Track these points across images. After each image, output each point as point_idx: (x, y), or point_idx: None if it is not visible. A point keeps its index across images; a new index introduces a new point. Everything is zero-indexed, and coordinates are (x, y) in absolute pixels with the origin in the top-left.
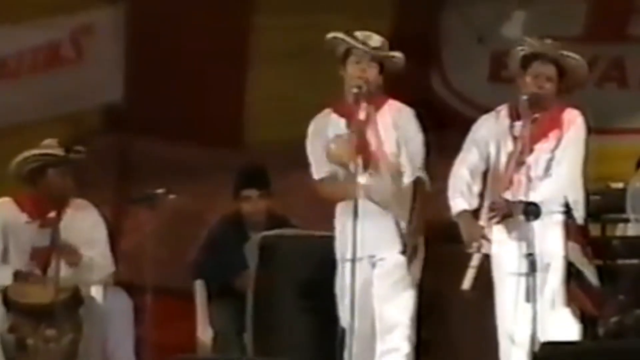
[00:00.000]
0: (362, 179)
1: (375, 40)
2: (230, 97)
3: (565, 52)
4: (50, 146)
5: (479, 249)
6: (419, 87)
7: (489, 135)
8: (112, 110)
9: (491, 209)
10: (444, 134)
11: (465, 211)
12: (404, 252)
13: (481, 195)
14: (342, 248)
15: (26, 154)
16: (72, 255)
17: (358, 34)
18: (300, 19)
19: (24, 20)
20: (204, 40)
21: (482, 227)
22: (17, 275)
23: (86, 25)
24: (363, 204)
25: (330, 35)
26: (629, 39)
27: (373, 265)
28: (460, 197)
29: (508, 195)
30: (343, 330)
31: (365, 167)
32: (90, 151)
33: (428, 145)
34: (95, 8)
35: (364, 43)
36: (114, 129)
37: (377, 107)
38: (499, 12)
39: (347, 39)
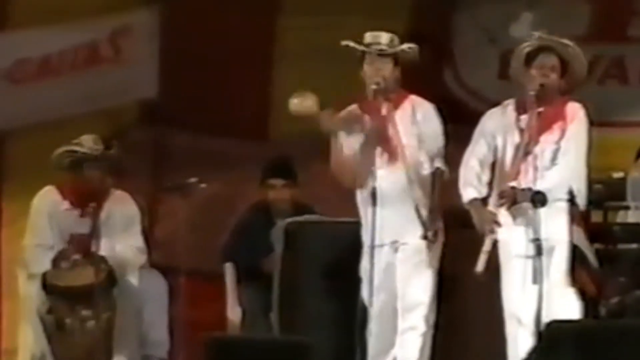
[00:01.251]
0: (383, 171)
1: (384, 38)
2: (256, 93)
3: (564, 41)
4: (86, 143)
5: (491, 234)
6: (433, 84)
7: (497, 128)
8: (148, 105)
9: (500, 197)
10: (456, 127)
11: (475, 199)
12: (425, 238)
13: (490, 184)
14: (365, 233)
15: (63, 148)
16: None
17: (368, 36)
18: (322, 20)
19: (66, 22)
20: (233, 40)
21: (493, 214)
22: (56, 259)
23: (124, 26)
24: (384, 193)
25: (343, 43)
26: (629, 39)
27: (396, 250)
28: (470, 187)
29: (515, 184)
30: (365, 310)
31: (387, 159)
32: (127, 143)
33: (446, 137)
34: (132, 11)
35: (373, 44)
36: (149, 123)
37: (399, 103)
38: (508, 14)
39: (357, 46)
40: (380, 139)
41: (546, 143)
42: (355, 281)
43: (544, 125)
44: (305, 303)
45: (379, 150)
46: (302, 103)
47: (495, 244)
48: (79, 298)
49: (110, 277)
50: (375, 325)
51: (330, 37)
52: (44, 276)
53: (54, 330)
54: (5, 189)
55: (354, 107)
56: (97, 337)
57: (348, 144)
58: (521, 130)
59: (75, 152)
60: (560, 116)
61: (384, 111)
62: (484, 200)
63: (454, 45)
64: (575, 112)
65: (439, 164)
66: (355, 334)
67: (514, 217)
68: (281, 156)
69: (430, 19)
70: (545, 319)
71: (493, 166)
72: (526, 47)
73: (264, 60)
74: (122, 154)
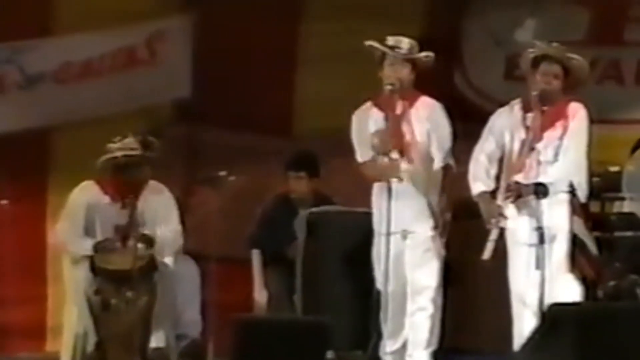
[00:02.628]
0: (397, 165)
1: (405, 43)
2: (282, 93)
3: (569, 54)
4: (127, 146)
5: (497, 225)
6: (444, 84)
7: (504, 126)
8: (181, 105)
9: (507, 190)
10: (465, 124)
11: (484, 192)
12: (435, 228)
13: (497, 178)
14: (378, 223)
15: (107, 156)
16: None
17: (390, 39)
18: (342, 25)
19: (106, 28)
20: (259, 44)
21: (499, 206)
22: (98, 246)
23: (159, 31)
24: (397, 186)
25: (367, 43)
26: (625, 43)
27: (405, 237)
28: (479, 181)
29: (521, 178)
30: (378, 292)
31: (401, 154)
32: (162, 139)
33: (454, 134)
34: (167, 17)
35: (395, 47)
36: (183, 121)
37: (411, 103)
38: (513, 20)
39: (380, 46)
40: (394, 136)
41: (549, 139)
42: (371, 266)
43: (548, 123)
44: (325, 286)
45: (393, 146)
46: None
47: (502, 232)
48: (124, 281)
49: (152, 263)
50: (388, 307)
51: (350, 41)
52: (92, 260)
53: (100, 309)
54: (51, 181)
55: (367, 105)
56: (138, 317)
57: (362, 152)
58: (527, 128)
59: (117, 157)
60: (562, 115)
61: (398, 110)
62: (492, 193)
63: (463, 48)
64: (577, 111)
65: (448, 160)
66: (371, 313)
67: (519, 209)
68: (303, 150)
69: (442, 24)
70: (548, 301)
71: (500, 161)
72: (532, 53)
73: (289, 62)
74: (161, 148)
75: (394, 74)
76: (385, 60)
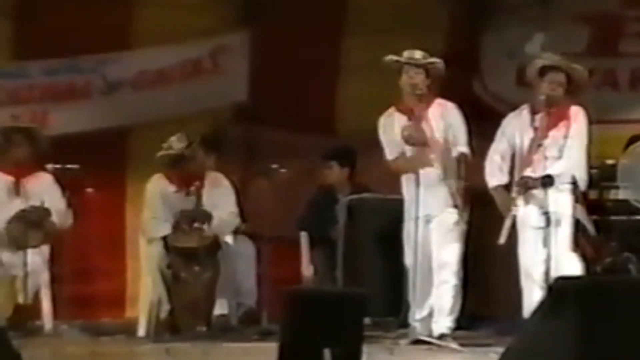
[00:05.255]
0: (421, 158)
1: (417, 54)
2: (325, 97)
3: (572, 65)
4: (173, 144)
5: (510, 214)
6: (464, 90)
7: (514, 128)
8: (240, 108)
9: (518, 184)
10: (482, 125)
11: (498, 186)
12: (454, 211)
13: (510, 173)
14: (408, 208)
15: (160, 153)
16: (207, 216)
17: (405, 53)
18: (377, 39)
19: (176, 42)
20: (307, 55)
21: (512, 197)
22: (174, 227)
23: (221, 45)
24: (424, 175)
25: (387, 58)
26: (620, 54)
27: (429, 220)
28: (494, 176)
29: (530, 172)
30: (408, 269)
31: (423, 149)
32: (224, 138)
33: (470, 129)
34: (228, 33)
35: (410, 58)
36: (241, 121)
37: (429, 104)
38: (523, 35)
39: (398, 58)
40: (417, 134)
41: (554, 138)
42: (402, 246)
43: (552, 124)
44: (362, 263)
45: (418, 143)
46: None
47: (514, 218)
48: (192, 257)
49: (215, 242)
50: (416, 280)
51: (384, 53)
52: (165, 239)
53: (172, 281)
54: (129, 173)
55: (391, 110)
56: (204, 288)
57: (390, 147)
58: (535, 128)
59: (167, 154)
60: (565, 117)
61: (418, 111)
62: (506, 186)
63: (481, 59)
64: (578, 114)
65: (463, 149)
66: (401, 287)
67: (529, 198)
68: (342, 144)
69: (463, 39)
70: (553, 275)
71: (512, 158)
72: (539, 63)
73: (332, 71)
74: (214, 144)
75: (412, 80)
76: (403, 70)
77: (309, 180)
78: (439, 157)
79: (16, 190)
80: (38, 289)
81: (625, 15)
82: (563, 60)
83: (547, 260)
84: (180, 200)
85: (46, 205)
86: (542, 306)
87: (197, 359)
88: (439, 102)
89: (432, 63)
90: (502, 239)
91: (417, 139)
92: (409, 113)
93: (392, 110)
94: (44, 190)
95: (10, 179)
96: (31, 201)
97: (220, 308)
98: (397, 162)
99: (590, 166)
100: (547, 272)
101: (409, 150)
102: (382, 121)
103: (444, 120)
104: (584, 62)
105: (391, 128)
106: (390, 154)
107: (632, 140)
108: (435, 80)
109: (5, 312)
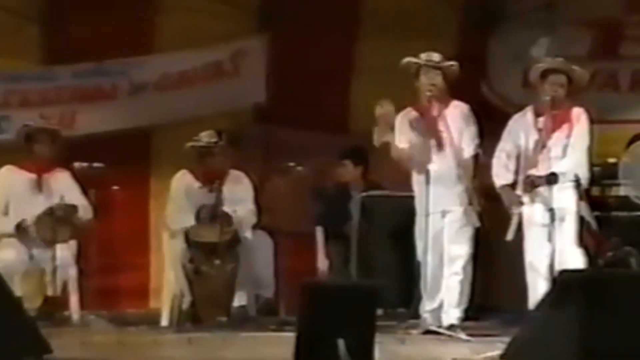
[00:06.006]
0: (435, 156)
1: (435, 56)
2: (340, 98)
3: (572, 67)
4: (204, 138)
5: (517, 211)
6: (472, 92)
7: (519, 129)
8: (258, 108)
9: (524, 182)
10: (490, 125)
11: (505, 185)
12: (468, 208)
13: (516, 171)
14: (419, 205)
15: (189, 144)
16: (228, 218)
17: (423, 55)
18: (390, 43)
19: (198, 47)
20: (322, 59)
21: (519, 196)
22: (196, 222)
23: (241, 49)
24: (435, 172)
25: (405, 60)
26: (621, 57)
27: (443, 216)
28: (501, 176)
29: (535, 171)
30: (419, 262)
31: (438, 147)
32: (244, 137)
33: (481, 129)
34: (247, 37)
35: (429, 60)
36: (260, 122)
37: (445, 106)
38: (529, 39)
39: (417, 60)
40: (432, 133)
41: (558, 139)
42: (413, 240)
43: (556, 125)
44: (375, 256)
45: (431, 141)
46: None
47: (520, 215)
48: (213, 251)
49: (235, 237)
50: (427, 274)
51: (397, 56)
52: (187, 234)
53: (193, 275)
54: (152, 170)
55: (408, 109)
56: (224, 281)
57: (402, 140)
58: (539, 129)
59: (197, 146)
60: (568, 118)
61: (435, 112)
62: (512, 185)
63: (488, 62)
64: (580, 115)
65: (477, 149)
66: (413, 279)
67: (534, 196)
68: (356, 143)
69: (471, 43)
70: (557, 268)
71: (517, 158)
72: (542, 66)
73: (346, 74)
74: (234, 143)
75: (430, 81)
76: (421, 72)
77: (324, 177)
78: (453, 155)
79: (39, 186)
80: (66, 282)
81: (626, 20)
82: (563, 63)
83: (552, 254)
84: (203, 196)
85: (66, 200)
86: (547, 298)
87: (217, 348)
88: (454, 103)
89: (449, 65)
90: (509, 236)
91: (425, 132)
92: (425, 113)
93: (409, 109)
94: (63, 186)
95: (32, 176)
96: (53, 197)
97: (239, 300)
98: (405, 151)
99: (592, 164)
100: (551, 266)
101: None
102: (399, 119)
103: (460, 121)
104: (586, 65)
105: (407, 126)
106: (400, 142)
107: (633, 139)
108: (450, 82)
109: (35, 304)
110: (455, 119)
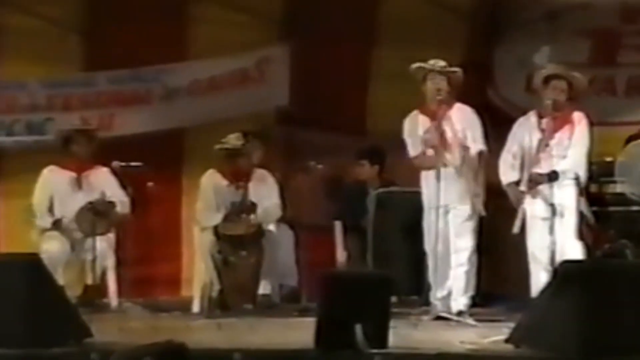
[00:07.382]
0: (438, 158)
1: (441, 63)
2: (358, 102)
3: (572, 73)
4: (231, 140)
5: (522, 206)
6: (479, 96)
7: (523, 131)
8: (282, 111)
9: (528, 180)
10: (495, 127)
11: (511, 183)
12: (471, 203)
13: (521, 170)
14: (427, 200)
15: (217, 146)
16: (253, 207)
17: (431, 61)
18: (403, 52)
19: (226, 54)
20: (341, 65)
21: (523, 192)
22: (225, 217)
23: (266, 56)
24: (444, 170)
25: (414, 65)
26: (618, 64)
27: (448, 211)
28: (507, 175)
29: (538, 169)
30: (427, 253)
31: (444, 147)
32: (268, 138)
33: (486, 130)
34: (271, 46)
35: (435, 66)
36: (283, 124)
37: (449, 108)
38: (532, 47)
39: (425, 66)
40: (439, 134)
41: (559, 139)
42: (423, 233)
43: (558, 126)
44: (390, 248)
45: (439, 142)
46: None
47: (524, 210)
48: (239, 243)
49: (260, 230)
50: (437, 264)
51: (410, 62)
52: (216, 228)
53: (222, 265)
54: (184, 169)
55: (415, 112)
56: (250, 271)
57: (413, 145)
58: (542, 130)
59: (225, 148)
60: (569, 120)
61: (440, 114)
62: (518, 183)
63: (494, 69)
64: (580, 118)
65: (482, 147)
66: (423, 269)
67: (537, 192)
68: (372, 143)
69: (478, 51)
70: (558, 259)
71: (522, 158)
72: (544, 72)
73: (363, 79)
74: (258, 144)
75: (437, 86)
76: (428, 77)
77: (342, 175)
78: (457, 154)
79: (78, 184)
80: (105, 271)
81: (623, 30)
82: (564, 69)
83: (553, 246)
84: (230, 193)
85: (107, 195)
86: (548, 286)
87: (244, 332)
88: (458, 106)
89: (453, 72)
90: (515, 229)
91: (435, 143)
92: (431, 115)
93: (416, 112)
94: (103, 182)
95: (72, 174)
96: (93, 193)
97: (264, 288)
98: (419, 159)
99: (590, 163)
100: (552, 257)
101: (429, 151)
102: (407, 122)
103: (463, 121)
104: (586, 71)
105: (415, 128)
106: (412, 151)
107: (629, 140)
108: (455, 87)
109: (76, 292)
110: (460, 119)
